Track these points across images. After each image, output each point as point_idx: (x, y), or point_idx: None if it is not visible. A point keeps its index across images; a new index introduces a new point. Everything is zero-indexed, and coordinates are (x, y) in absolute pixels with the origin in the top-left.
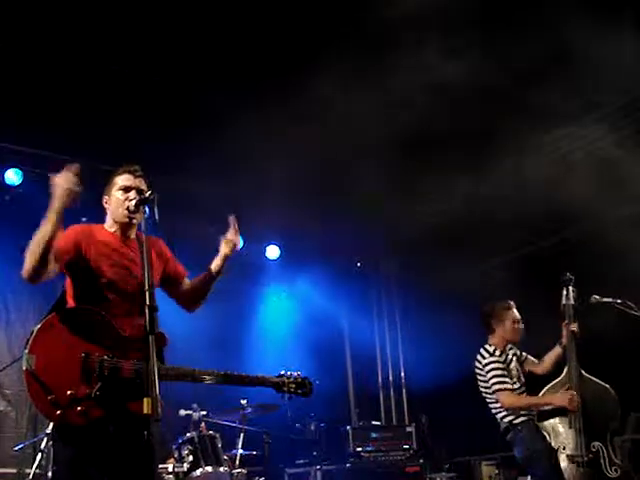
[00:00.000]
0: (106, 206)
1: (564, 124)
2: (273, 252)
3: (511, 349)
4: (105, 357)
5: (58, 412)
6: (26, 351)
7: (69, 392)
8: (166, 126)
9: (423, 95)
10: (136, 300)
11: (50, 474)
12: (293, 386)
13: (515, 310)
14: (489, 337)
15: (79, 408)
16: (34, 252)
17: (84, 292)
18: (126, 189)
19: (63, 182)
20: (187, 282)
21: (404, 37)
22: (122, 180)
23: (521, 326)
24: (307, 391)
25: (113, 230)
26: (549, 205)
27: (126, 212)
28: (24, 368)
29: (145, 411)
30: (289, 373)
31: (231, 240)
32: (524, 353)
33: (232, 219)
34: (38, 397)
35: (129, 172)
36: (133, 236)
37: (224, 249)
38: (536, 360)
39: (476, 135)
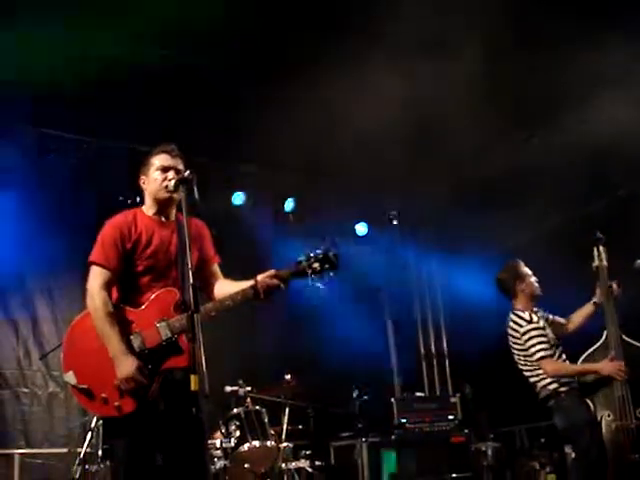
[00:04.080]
0: (144, 186)
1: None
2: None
3: (537, 312)
4: (131, 337)
5: (112, 407)
6: (64, 372)
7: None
8: (212, 109)
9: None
10: (170, 278)
11: (100, 452)
12: (317, 265)
13: None
14: (514, 302)
15: (129, 396)
16: (97, 326)
17: (122, 279)
18: (164, 169)
19: (134, 379)
20: (216, 271)
21: None
22: (160, 160)
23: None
24: (334, 263)
25: (152, 212)
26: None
27: (165, 191)
28: (70, 387)
29: (193, 388)
30: (307, 254)
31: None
32: (550, 315)
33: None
34: (90, 403)
35: (166, 152)
36: (172, 217)
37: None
38: (563, 320)
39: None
